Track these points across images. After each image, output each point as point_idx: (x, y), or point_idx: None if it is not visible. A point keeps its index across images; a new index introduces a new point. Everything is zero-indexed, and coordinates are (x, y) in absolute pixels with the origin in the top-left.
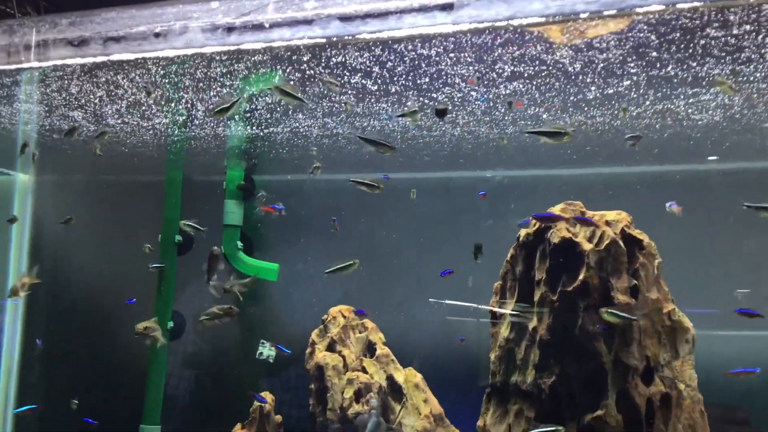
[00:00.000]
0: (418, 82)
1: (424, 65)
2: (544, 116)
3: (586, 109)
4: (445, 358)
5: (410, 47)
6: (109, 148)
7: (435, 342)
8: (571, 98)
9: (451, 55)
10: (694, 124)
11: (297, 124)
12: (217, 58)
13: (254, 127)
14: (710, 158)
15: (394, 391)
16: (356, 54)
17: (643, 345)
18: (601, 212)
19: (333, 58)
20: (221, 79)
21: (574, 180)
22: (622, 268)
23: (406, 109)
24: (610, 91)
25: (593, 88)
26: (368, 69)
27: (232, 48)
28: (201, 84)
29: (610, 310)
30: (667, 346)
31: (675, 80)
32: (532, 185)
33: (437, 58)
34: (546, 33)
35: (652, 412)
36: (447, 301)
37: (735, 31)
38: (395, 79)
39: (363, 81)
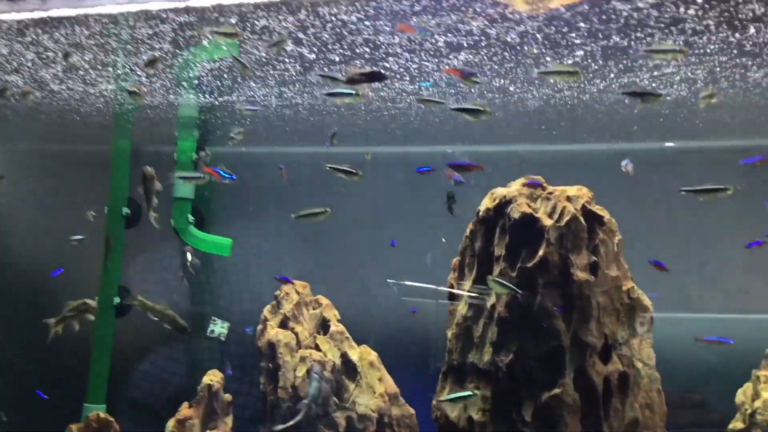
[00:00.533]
0: (357, 51)
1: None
2: (511, 88)
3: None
4: (401, 338)
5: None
6: (59, 115)
7: (391, 321)
8: (535, 71)
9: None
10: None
11: (251, 93)
12: (164, 15)
13: (207, 96)
14: (667, 144)
15: (348, 369)
16: (282, 18)
17: (602, 323)
18: (561, 187)
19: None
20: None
21: (536, 156)
22: (582, 245)
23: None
24: (571, 61)
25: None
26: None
27: (180, 6)
28: (144, 45)
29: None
30: (626, 324)
31: (632, 51)
32: (493, 161)
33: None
34: (509, 1)
35: (609, 391)
36: (405, 282)
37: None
38: (329, 47)
39: (299, 48)
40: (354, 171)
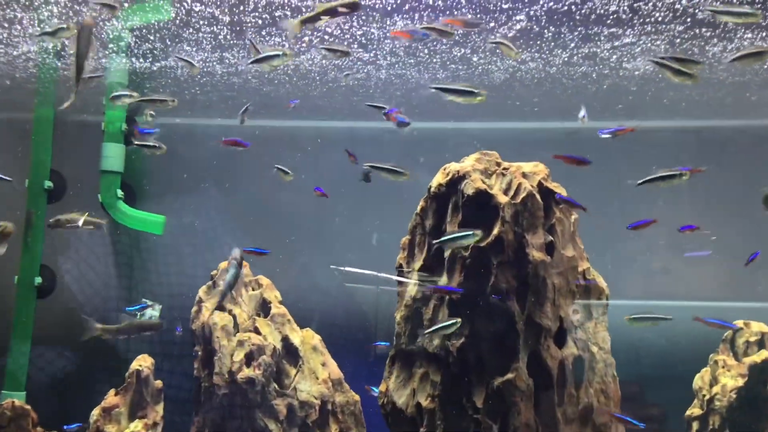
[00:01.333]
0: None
1: None
2: (474, 59)
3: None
4: (343, 323)
5: None
6: None
7: (333, 306)
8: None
9: None
10: (629, 74)
11: (189, 58)
12: None
13: (138, 60)
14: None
15: (289, 353)
16: None
17: (557, 305)
18: (517, 163)
19: None
20: None
21: (487, 134)
22: (538, 223)
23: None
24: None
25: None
26: None
27: None
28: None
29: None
30: (581, 306)
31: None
32: (442, 138)
33: None
34: None
35: (564, 376)
36: (348, 269)
37: None
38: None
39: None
40: (401, 171)
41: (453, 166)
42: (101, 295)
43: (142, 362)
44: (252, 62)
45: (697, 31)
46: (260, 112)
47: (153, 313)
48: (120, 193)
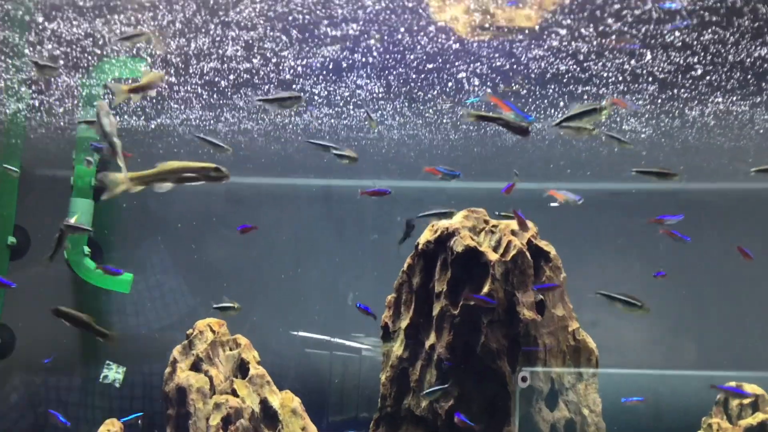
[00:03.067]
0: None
1: None
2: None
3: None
4: (312, 389)
5: None
6: None
7: (286, 373)
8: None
9: None
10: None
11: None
12: None
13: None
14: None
15: (267, 416)
16: None
17: (549, 365)
18: (506, 221)
19: None
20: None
21: (462, 193)
22: (529, 282)
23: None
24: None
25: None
26: None
27: None
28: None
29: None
30: (572, 367)
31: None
32: (418, 197)
33: None
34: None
35: None
36: (307, 334)
37: None
38: None
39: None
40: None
41: (441, 224)
42: (61, 357)
43: (110, 427)
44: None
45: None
46: (235, 167)
47: (117, 376)
48: (87, 249)
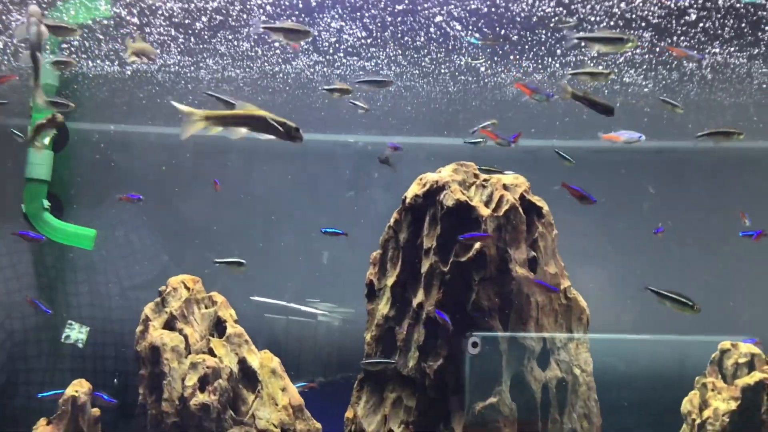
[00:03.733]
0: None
1: None
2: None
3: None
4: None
5: None
6: None
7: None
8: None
9: None
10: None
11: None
12: None
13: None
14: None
15: (247, 377)
16: None
17: (540, 324)
18: (497, 175)
19: None
20: None
21: (442, 150)
22: (521, 238)
23: None
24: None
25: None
26: None
27: None
28: None
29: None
30: (563, 325)
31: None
32: (397, 154)
33: None
34: None
35: (547, 399)
36: (263, 299)
37: None
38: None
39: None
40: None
41: (430, 176)
42: (21, 319)
43: (78, 387)
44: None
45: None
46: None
47: (80, 336)
48: (46, 203)
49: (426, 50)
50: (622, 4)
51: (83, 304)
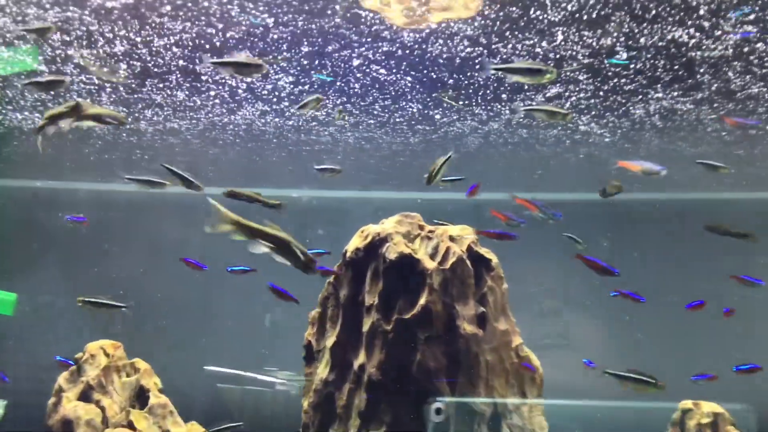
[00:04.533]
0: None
1: None
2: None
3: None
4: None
5: None
6: None
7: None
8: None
9: None
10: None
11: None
12: None
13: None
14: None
15: None
16: None
17: (491, 385)
18: (443, 226)
19: None
20: None
21: (390, 204)
22: (469, 293)
23: None
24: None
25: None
26: None
27: None
28: None
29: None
30: (515, 387)
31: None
32: (344, 208)
33: None
34: (383, 11)
35: None
36: (222, 369)
37: None
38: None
39: None
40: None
41: (372, 228)
42: None
43: None
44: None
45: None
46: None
47: None
48: None
49: (370, 97)
50: (543, 43)
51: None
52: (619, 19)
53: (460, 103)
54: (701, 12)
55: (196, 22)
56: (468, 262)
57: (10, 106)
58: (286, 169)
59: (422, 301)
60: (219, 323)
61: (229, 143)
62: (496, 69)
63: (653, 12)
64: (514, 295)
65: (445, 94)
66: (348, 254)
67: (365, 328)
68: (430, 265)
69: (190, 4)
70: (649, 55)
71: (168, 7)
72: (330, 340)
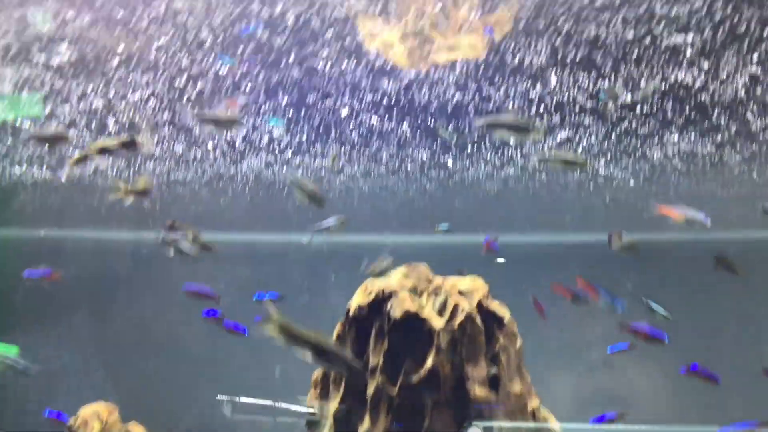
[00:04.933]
0: None
1: None
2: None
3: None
4: None
5: None
6: None
7: None
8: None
9: None
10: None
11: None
12: None
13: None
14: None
15: None
16: None
17: None
18: (452, 279)
19: None
20: None
21: (404, 247)
22: (480, 352)
23: None
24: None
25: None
26: None
27: None
28: None
29: None
30: None
31: None
32: (355, 253)
33: None
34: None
35: None
36: (240, 399)
37: None
38: None
39: None
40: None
41: (376, 284)
42: None
43: None
44: None
45: None
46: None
47: None
48: None
49: (375, 145)
50: (538, 86)
51: None
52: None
53: (456, 137)
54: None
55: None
56: (478, 319)
57: (8, 159)
58: (295, 215)
59: (429, 363)
60: (227, 372)
61: (238, 192)
62: (482, 124)
63: (647, 53)
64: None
65: (441, 128)
66: (351, 312)
67: (370, 391)
68: (438, 323)
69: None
70: (656, 98)
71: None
72: (333, 404)
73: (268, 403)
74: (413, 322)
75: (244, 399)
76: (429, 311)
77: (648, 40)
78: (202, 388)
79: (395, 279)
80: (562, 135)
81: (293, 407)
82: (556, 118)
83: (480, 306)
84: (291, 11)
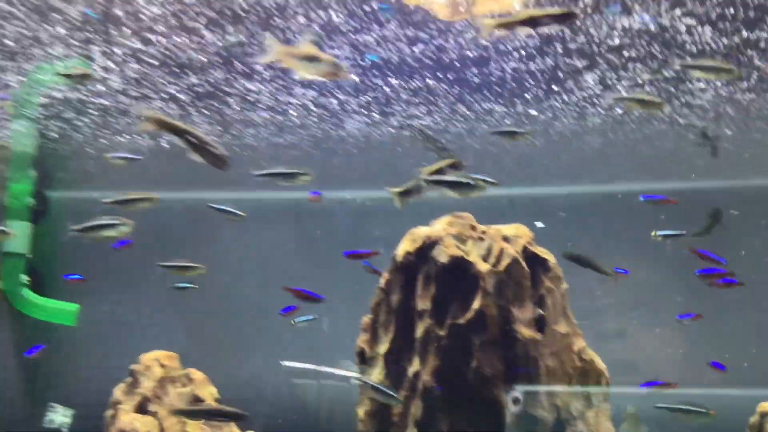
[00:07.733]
0: None
1: None
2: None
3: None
4: (292, 424)
5: None
6: None
7: (277, 403)
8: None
9: None
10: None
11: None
12: None
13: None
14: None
15: None
16: None
17: (552, 392)
18: (496, 227)
19: None
20: None
21: (446, 203)
22: (526, 295)
23: None
24: None
25: None
26: None
27: None
28: None
29: None
30: (579, 392)
31: None
32: (396, 208)
33: None
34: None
35: None
36: (299, 365)
37: None
38: None
39: None
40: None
41: (422, 231)
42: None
43: None
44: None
45: None
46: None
47: (63, 419)
48: (25, 278)
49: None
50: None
51: (61, 385)
52: None
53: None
54: None
55: None
56: (523, 263)
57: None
58: (334, 170)
59: (476, 305)
60: (276, 327)
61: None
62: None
63: None
64: None
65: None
66: (398, 259)
67: (418, 334)
68: (483, 267)
69: None
70: None
71: None
72: (383, 347)
73: (321, 368)
74: (459, 266)
75: (290, 363)
76: (474, 256)
77: None
78: (254, 349)
79: (440, 226)
80: None
81: (338, 371)
82: None
83: (525, 250)
84: None
